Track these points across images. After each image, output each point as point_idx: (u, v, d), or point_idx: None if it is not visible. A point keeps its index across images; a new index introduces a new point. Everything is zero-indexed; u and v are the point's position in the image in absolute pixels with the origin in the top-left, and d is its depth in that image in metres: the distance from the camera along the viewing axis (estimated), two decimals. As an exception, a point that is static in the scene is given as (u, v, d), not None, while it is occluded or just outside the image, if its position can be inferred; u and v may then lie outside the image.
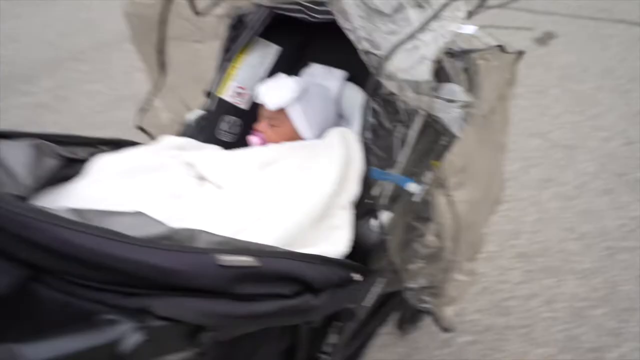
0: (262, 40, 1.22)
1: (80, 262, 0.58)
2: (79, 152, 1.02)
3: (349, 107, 1.17)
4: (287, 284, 0.73)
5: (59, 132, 0.98)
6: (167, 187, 0.97)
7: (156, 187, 0.96)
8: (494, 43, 1.11)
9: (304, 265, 0.76)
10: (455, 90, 0.84)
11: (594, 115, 2.37)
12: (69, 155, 0.99)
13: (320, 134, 1.12)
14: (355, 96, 1.17)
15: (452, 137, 0.84)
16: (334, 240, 0.90)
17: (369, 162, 0.78)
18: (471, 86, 1.02)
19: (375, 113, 0.77)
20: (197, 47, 1.37)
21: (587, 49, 2.82)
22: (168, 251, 0.61)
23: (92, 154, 1.03)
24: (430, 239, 1.17)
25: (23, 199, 0.85)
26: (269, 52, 1.22)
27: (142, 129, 1.39)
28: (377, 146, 0.81)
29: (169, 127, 1.40)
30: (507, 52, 1.12)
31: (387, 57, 0.73)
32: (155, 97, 1.32)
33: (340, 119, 1.20)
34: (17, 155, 0.86)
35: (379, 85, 0.74)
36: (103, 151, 1.08)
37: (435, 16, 0.78)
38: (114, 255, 0.57)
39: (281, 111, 1.10)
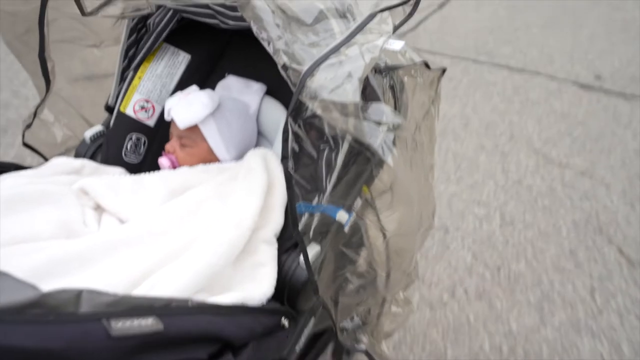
0: (170, 47, 1.08)
1: None
2: (-64, 182, 0.83)
3: (269, 125, 1.07)
4: (201, 346, 0.61)
5: None
6: (57, 223, 0.81)
7: (43, 223, 0.79)
8: (418, 59, 1.07)
9: (220, 319, 0.64)
10: (383, 110, 0.77)
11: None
12: None
13: (238, 155, 1.01)
14: (275, 113, 1.06)
15: (380, 161, 0.77)
16: (258, 281, 0.79)
17: (292, 193, 0.68)
18: (398, 105, 0.96)
19: (297, 138, 0.67)
20: (94, 53, 1.20)
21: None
22: (38, 324, 0.47)
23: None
24: (361, 266, 1.10)
25: None
26: (177, 60, 1.08)
27: (29, 147, 1.19)
28: (301, 175, 0.72)
29: (63, 146, 1.22)
30: (431, 69, 1.08)
31: (309, 73, 0.63)
32: (42, 110, 1.13)
33: (260, 137, 1.09)
34: None
35: (300, 105, 0.65)
36: (-28, 179, 0.88)
37: (361, 28, 0.70)
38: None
39: (194, 129, 0.97)
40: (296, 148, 0.67)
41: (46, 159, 1.17)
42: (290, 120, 0.65)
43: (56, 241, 0.76)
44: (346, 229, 0.91)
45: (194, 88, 1.03)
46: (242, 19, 0.98)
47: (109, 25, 1.07)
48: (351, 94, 0.62)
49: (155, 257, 0.75)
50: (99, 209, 0.89)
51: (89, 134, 1.07)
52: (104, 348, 0.50)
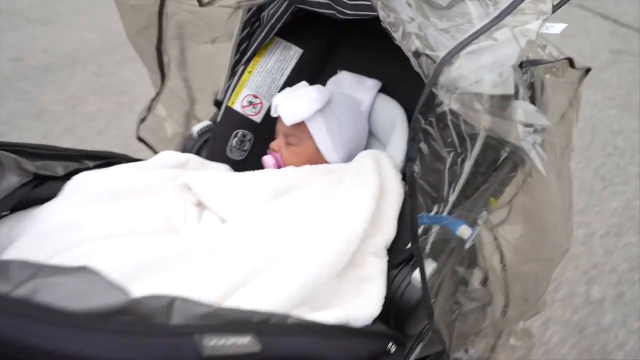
0: (282, 41, 1.02)
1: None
2: (56, 168, 0.84)
3: (383, 125, 0.97)
4: (300, 373, 0.53)
5: (28, 143, 0.81)
6: (159, 218, 0.78)
7: (145, 217, 0.77)
8: (560, 55, 0.90)
9: (323, 342, 0.56)
10: (528, 110, 0.63)
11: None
12: (42, 172, 0.81)
13: (347, 157, 0.92)
14: (390, 112, 0.96)
15: (530, 170, 0.63)
16: (364, 298, 0.70)
17: (414, 202, 0.58)
18: (537, 107, 0.81)
19: (427, 137, 0.56)
20: (206, 49, 1.19)
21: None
22: (126, 335, 0.42)
23: (76, 171, 0.86)
24: (476, 289, 0.95)
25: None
26: (289, 55, 1.03)
27: (142, 141, 1.22)
28: (426, 180, 0.61)
29: (174, 141, 1.23)
30: (576, 68, 0.91)
31: (448, 59, 0.52)
32: (156, 105, 1.15)
33: (371, 138, 0.99)
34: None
35: (433, 99, 0.54)
36: (88, 168, 0.90)
37: (517, 5, 0.57)
38: (34, 346, 0.38)
39: (301, 127, 0.91)
40: (425, 149, 0.56)
41: (156, 154, 1.18)
42: (419, 116, 0.54)
43: (155, 237, 0.72)
44: (467, 245, 0.78)
45: (303, 84, 0.96)
46: (361, 7, 0.89)
47: (224, 20, 1.05)
48: (503, 86, 0.50)
49: (255, 262, 0.69)
50: (201, 205, 0.86)
51: (196, 129, 1.06)
52: (194, 368, 0.43)
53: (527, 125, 0.60)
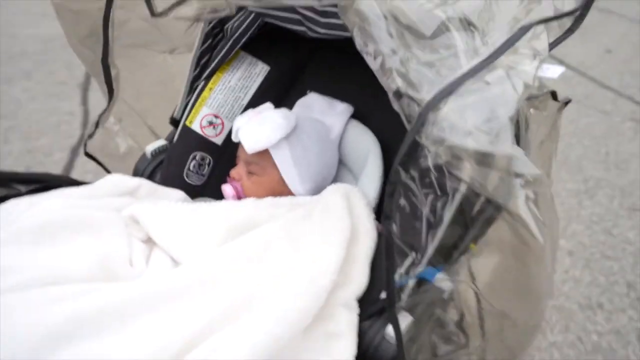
0: (247, 56, 0.94)
1: None
2: (-21, 195, 0.73)
3: (355, 154, 0.89)
4: None
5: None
6: (97, 260, 0.68)
7: (81, 259, 0.67)
8: (542, 87, 0.86)
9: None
10: (517, 157, 0.56)
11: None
12: (-40, 200, 0.70)
13: (314, 189, 0.84)
14: (363, 140, 0.89)
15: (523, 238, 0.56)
16: (334, 356, 0.62)
17: (391, 263, 0.51)
18: (523, 146, 0.76)
19: (406, 192, 0.49)
20: (166, 60, 1.09)
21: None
22: None
23: (3, 197, 0.75)
24: (451, 330, 0.89)
25: None
26: (254, 72, 0.94)
27: (91, 157, 1.11)
28: (403, 240, 0.53)
29: (128, 157, 1.12)
30: (557, 100, 0.87)
31: (434, 104, 0.45)
32: (106, 119, 1.04)
33: (342, 167, 0.91)
34: None
35: (416, 148, 0.46)
36: (19, 193, 0.79)
37: (512, 43, 0.50)
38: None
39: (264, 155, 0.82)
40: (404, 205, 0.49)
41: (108, 171, 1.07)
42: (399, 168, 0.47)
43: (91, 286, 0.62)
44: (445, 296, 0.72)
45: (267, 105, 0.88)
46: (334, 26, 0.82)
47: (182, 29, 0.96)
48: (502, 142, 0.43)
49: (207, 318, 0.60)
50: (149, 241, 0.76)
51: (150, 148, 0.96)
52: None
53: (517, 175, 0.54)
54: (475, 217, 0.70)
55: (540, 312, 0.84)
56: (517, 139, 0.75)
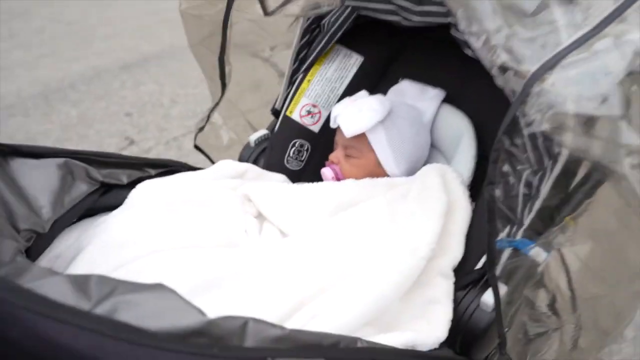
0: (342, 49, 1.00)
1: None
2: (121, 176, 0.86)
3: (447, 137, 0.93)
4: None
5: (94, 150, 0.82)
6: (219, 230, 0.78)
7: (206, 229, 0.77)
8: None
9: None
10: (620, 127, 0.57)
11: None
12: (108, 179, 0.82)
13: (409, 170, 0.89)
14: (454, 123, 0.92)
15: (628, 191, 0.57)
16: (431, 320, 0.67)
17: (493, 227, 0.54)
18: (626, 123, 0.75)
19: (511, 160, 0.52)
20: (263, 56, 1.19)
21: None
22: (199, 356, 0.41)
23: (138, 179, 0.87)
24: (542, 311, 0.89)
25: (40, 236, 0.68)
26: (349, 63, 1.01)
27: (199, 149, 1.23)
28: (505, 205, 0.57)
29: (230, 149, 1.23)
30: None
31: (539, 75, 0.48)
32: (214, 113, 1.15)
33: (433, 150, 0.95)
34: (39, 179, 0.70)
35: (519, 119, 0.50)
36: (150, 176, 0.91)
37: (622, 11, 0.52)
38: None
39: (361, 138, 0.88)
40: (507, 171, 0.53)
41: (213, 162, 1.19)
42: (503, 136, 0.50)
43: (216, 250, 0.72)
44: (540, 269, 0.73)
45: (363, 93, 0.94)
46: (429, 14, 0.86)
47: (284, 27, 1.05)
48: (609, 105, 0.45)
49: (317, 281, 0.67)
50: (260, 217, 0.85)
51: (253, 137, 1.05)
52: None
53: (620, 145, 0.55)
54: (573, 192, 0.71)
55: (634, 273, 0.82)
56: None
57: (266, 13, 0.81)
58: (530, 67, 0.50)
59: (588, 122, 0.50)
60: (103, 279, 0.44)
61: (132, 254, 0.69)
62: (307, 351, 0.48)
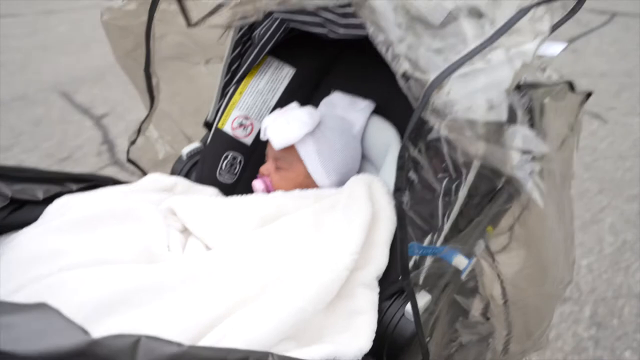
0: (274, 61, 1.00)
1: None
2: (36, 192, 0.81)
3: (376, 148, 0.93)
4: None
5: (5, 165, 0.78)
6: (139, 244, 0.75)
7: (125, 244, 0.74)
8: (558, 77, 0.87)
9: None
10: (527, 135, 0.59)
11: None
12: (19, 196, 0.78)
13: (339, 181, 0.88)
14: (384, 134, 0.93)
15: (526, 200, 0.59)
16: (354, 332, 0.66)
17: (404, 233, 0.54)
18: (537, 132, 0.78)
19: (416, 166, 0.53)
20: (198, 69, 1.17)
21: None
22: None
23: (57, 194, 0.83)
24: (476, 319, 0.91)
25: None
26: (281, 75, 1.00)
27: (133, 163, 1.19)
28: (416, 212, 0.57)
29: (166, 163, 1.20)
30: (575, 92, 0.89)
31: (437, 83, 0.49)
32: (147, 126, 1.12)
33: (364, 161, 0.96)
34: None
35: (422, 125, 0.51)
36: (70, 191, 0.87)
37: (510, 26, 0.54)
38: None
39: (290, 150, 0.88)
40: (414, 178, 0.53)
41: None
42: (408, 142, 0.51)
43: (134, 266, 0.69)
44: (463, 276, 0.74)
45: (293, 105, 0.93)
46: (353, 26, 0.87)
47: (215, 40, 1.04)
48: (497, 111, 0.47)
49: (238, 294, 0.65)
50: (185, 231, 0.82)
51: (185, 150, 1.03)
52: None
53: (525, 152, 0.57)
54: (487, 203, 0.73)
55: (556, 281, 0.85)
56: (531, 124, 0.78)
57: (189, 24, 0.80)
58: (430, 76, 0.51)
59: (489, 129, 0.51)
60: None
61: (41, 271, 0.65)
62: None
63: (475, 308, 0.90)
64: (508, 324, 0.93)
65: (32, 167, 0.84)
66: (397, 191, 0.52)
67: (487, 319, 0.92)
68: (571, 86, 0.87)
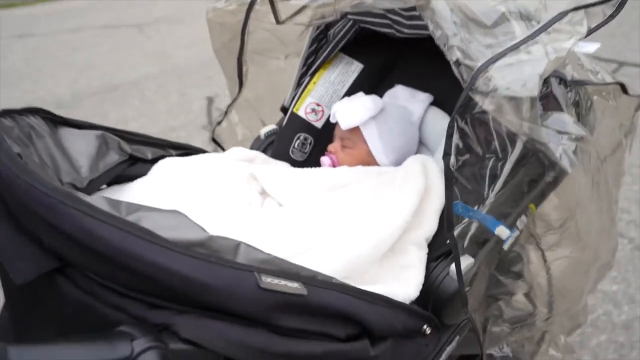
0: (345, 57, 1.14)
1: (104, 258, 0.50)
2: (146, 153, 1.00)
3: (432, 135, 1.05)
4: (340, 324, 0.61)
5: (126, 129, 0.97)
6: (227, 198, 0.90)
7: (215, 196, 0.90)
8: (611, 79, 0.94)
9: (362, 303, 0.63)
10: (565, 120, 0.69)
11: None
12: (136, 154, 0.96)
13: (397, 161, 1.00)
14: (440, 122, 1.04)
15: (559, 172, 0.69)
16: (404, 281, 0.77)
17: (450, 191, 0.65)
18: (583, 123, 0.86)
19: (462, 134, 0.64)
20: (277, 63, 1.33)
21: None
22: (202, 261, 0.53)
23: (161, 157, 1.01)
24: (519, 299, 0.98)
25: (78, 189, 0.82)
26: (350, 69, 1.14)
27: (215, 142, 1.37)
28: (463, 176, 0.68)
29: (243, 144, 1.36)
30: (629, 94, 0.95)
31: (484, 68, 0.61)
32: (231, 110, 1.29)
33: (421, 146, 1.07)
34: (81, 145, 0.84)
35: (470, 102, 0.62)
36: (171, 155, 1.05)
37: (549, 25, 0.65)
38: (139, 255, 0.50)
39: (355, 131, 1.01)
40: (460, 145, 0.65)
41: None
42: (456, 116, 0.62)
43: (225, 212, 0.84)
44: (505, 246, 0.83)
45: (360, 94, 1.07)
46: (418, 27, 0.99)
47: (295, 37, 1.19)
48: (530, 91, 0.57)
49: (306, 240, 0.78)
50: (264, 194, 0.97)
51: (263, 131, 1.19)
52: (251, 296, 0.53)
53: (561, 132, 0.66)
54: (536, 180, 0.82)
55: (598, 280, 0.92)
56: (578, 117, 0.86)
57: (278, 22, 0.95)
58: (478, 63, 0.62)
59: (525, 109, 0.61)
60: (130, 203, 0.57)
61: None
62: (287, 274, 0.59)
63: (520, 290, 0.97)
64: (550, 307, 1.00)
65: (143, 134, 1.02)
66: (445, 155, 0.64)
67: (531, 301, 0.99)
68: (623, 88, 0.94)
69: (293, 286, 0.57)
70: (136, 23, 3.94)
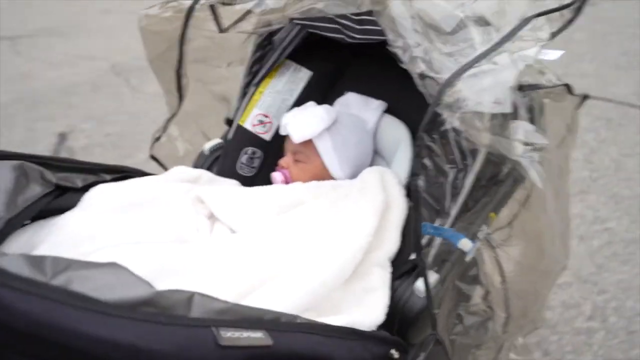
0: (292, 64, 1.08)
1: (28, 337, 0.41)
2: (76, 180, 0.88)
3: (387, 143, 1.01)
4: (309, 368, 0.55)
5: (50, 155, 0.85)
6: (171, 228, 0.82)
7: (158, 227, 0.81)
8: (557, 81, 0.95)
9: (331, 341, 0.59)
10: (528, 130, 0.67)
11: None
12: (63, 183, 0.85)
13: (352, 174, 0.96)
14: (394, 131, 1.01)
15: (518, 177, 0.67)
16: (368, 306, 0.73)
17: (418, 213, 0.61)
18: (535, 124, 0.86)
19: (430, 153, 0.60)
20: (219, 71, 1.25)
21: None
22: (150, 323, 0.45)
23: (93, 183, 0.90)
24: (477, 303, 0.98)
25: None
26: (298, 77, 1.08)
27: (155, 159, 1.26)
28: (429, 194, 0.64)
29: (185, 159, 1.27)
30: (573, 94, 0.96)
31: (451, 82, 0.57)
32: (170, 124, 1.20)
33: (376, 156, 1.03)
34: (-6, 180, 0.73)
35: (436, 118, 0.58)
36: (105, 180, 0.94)
37: (514, 33, 0.62)
38: (72, 329, 0.41)
39: (308, 144, 0.95)
40: (428, 165, 0.61)
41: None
42: (423, 133, 0.58)
43: (168, 244, 0.76)
44: (468, 258, 0.82)
45: (311, 104, 1.01)
46: (368, 32, 0.95)
47: (238, 44, 1.11)
48: (502, 105, 0.54)
49: (263, 271, 0.72)
50: (212, 217, 0.89)
51: (207, 146, 1.10)
52: (211, 356, 0.46)
53: (526, 144, 0.64)
54: (492, 187, 0.80)
55: (552, 263, 0.93)
56: (532, 121, 0.86)
57: (221, 30, 0.87)
58: (444, 75, 0.58)
59: (495, 122, 0.58)
60: (57, 259, 0.48)
61: (85, 250, 0.72)
62: (249, 323, 0.52)
63: (477, 294, 0.97)
64: (507, 308, 1.00)
65: (71, 158, 0.91)
66: (414, 175, 0.60)
67: (489, 304, 0.99)
68: (569, 88, 0.95)
69: (257, 336, 0.50)
70: (10, 35, 3.41)
